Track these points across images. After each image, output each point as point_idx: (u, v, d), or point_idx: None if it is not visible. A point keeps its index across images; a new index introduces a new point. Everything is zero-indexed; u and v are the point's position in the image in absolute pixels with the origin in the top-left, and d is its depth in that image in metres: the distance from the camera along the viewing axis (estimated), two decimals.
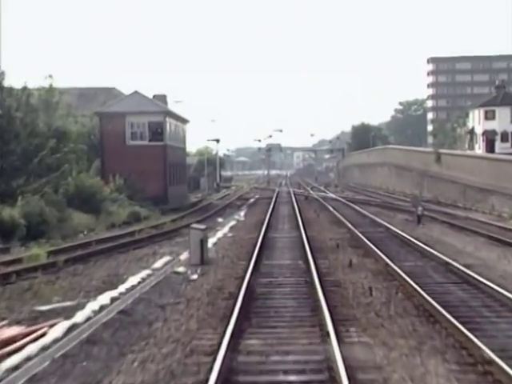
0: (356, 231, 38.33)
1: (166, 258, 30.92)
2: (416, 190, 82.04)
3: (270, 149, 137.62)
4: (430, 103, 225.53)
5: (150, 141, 64.93)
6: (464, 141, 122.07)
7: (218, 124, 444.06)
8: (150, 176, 63.73)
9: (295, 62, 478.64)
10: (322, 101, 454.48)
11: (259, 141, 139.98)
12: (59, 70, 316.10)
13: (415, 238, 34.31)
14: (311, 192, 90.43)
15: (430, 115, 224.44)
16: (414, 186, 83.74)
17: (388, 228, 41.00)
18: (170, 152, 66.73)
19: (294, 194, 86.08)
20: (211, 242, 37.01)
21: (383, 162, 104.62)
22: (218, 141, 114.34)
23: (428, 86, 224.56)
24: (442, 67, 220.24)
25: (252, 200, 79.43)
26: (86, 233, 43.24)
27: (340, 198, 74.83)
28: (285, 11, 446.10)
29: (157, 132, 65.31)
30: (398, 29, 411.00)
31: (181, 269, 27.32)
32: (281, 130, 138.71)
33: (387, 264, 25.74)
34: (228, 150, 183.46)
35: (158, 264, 29.15)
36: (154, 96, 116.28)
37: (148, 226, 46.75)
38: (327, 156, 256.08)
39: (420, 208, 44.91)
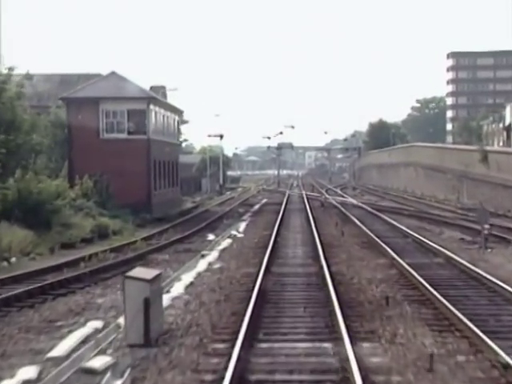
0: (404, 264, 25.04)
1: (94, 325, 17.59)
2: (452, 194, 68.54)
3: (280, 147, 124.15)
4: (449, 101, 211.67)
5: (129, 134, 51.68)
6: (498, 138, 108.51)
7: (228, 122, 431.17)
8: (129, 177, 50.55)
9: (308, 58, 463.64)
10: (334, 99, 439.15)
11: (268, 138, 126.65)
12: (57, 56, 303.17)
13: (504, 281, 21.09)
14: (327, 196, 77.18)
15: (449, 113, 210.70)
16: (449, 190, 70.24)
17: (449, 257, 27.63)
18: (155, 148, 53.40)
19: (308, 199, 72.83)
20: (185, 281, 23.92)
21: (408, 161, 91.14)
22: (221, 137, 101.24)
23: (447, 82, 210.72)
24: (463, 62, 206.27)
25: (257, 206, 66.16)
26: (11, 259, 29.99)
27: (362, 205, 61.48)
28: (300, 2, 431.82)
29: (139, 123, 52.04)
30: (416, 22, 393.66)
31: (98, 363, 14.05)
32: (292, 127, 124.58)
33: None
34: (236, 148, 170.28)
35: (68, 342, 15.85)
36: (152, 88, 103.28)
37: (110, 248, 33.59)
38: (340, 156, 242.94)
39: (487, 226, 31.48)
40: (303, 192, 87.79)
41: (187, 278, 24.71)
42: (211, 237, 39.53)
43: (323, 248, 30.04)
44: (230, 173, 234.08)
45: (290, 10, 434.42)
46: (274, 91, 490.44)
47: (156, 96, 56.13)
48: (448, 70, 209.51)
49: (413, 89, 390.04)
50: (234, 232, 41.19)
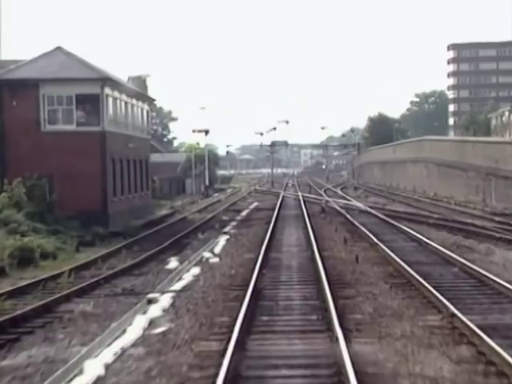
0: (475, 330, 13.86)
1: None
2: (475, 195, 57.38)
3: (273, 144, 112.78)
4: (450, 94, 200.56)
5: (79, 125, 40.44)
6: (510, 131, 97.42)
7: (222, 120, 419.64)
8: (78, 180, 39.38)
9: (303, 53, 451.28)
10: (330, 95, 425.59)
11: (261, 134, 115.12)
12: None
13: None
14: (326, 198, 66.01)
15: (450, 107, 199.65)
16: (471, 190, 59.09)
17: None
18: (113, 143, 42.09)
19: (305, 202, 61.70)
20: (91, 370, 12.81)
21: (418, 157, 79.99)
22: (206, 132, 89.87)
23: (448, 75, 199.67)
24: (464, 54, 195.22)
25: (245, 212, 54.95)
26: None
27: (371, 210, 50.37)
28: None
29: (91, 111, 40.77)
30: (414, 12, 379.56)
31: None
32: (287, 122, 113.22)
33: None
34: (228, 146, 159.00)
35: None
36: (130, 79, 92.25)
37: (12, 288, 22.45)
38: (336, 153, 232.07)
39: None
40: (299, 193, 76.64)
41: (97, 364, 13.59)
42: (173, 263, 28.19)
43: (332, 290, 18.95)
44: (222, 172, 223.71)
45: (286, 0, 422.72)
46: (268, 89, 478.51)
47: (114, 77, 44.64)
48: (449, 62, 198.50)
49: (411, 83, 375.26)
50: (207, 254, 29.94)
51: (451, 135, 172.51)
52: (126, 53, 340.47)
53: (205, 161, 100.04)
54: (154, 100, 56.37)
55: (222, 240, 35.73)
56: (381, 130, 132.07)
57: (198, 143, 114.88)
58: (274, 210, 53.23)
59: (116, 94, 43.60)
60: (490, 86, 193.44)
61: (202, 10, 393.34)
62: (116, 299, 21.05)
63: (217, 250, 31.76)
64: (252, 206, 61.60)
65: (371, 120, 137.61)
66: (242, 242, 34.47)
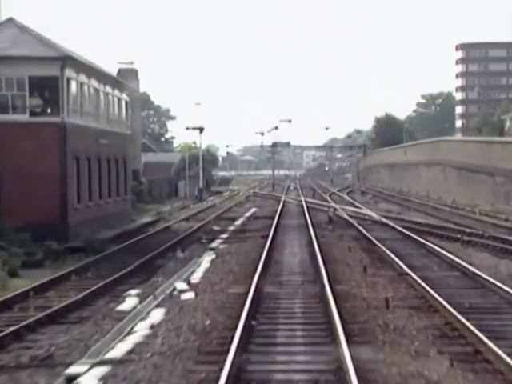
0: None
1: None
2: (505, 204, 49.52)
3: (275, 144, 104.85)
4: (458, 96, 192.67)
5: (33, 115, 32.63)
6: None
7: (224, 121, 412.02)
8: (31, 183, 31.65)
9: (307, 53, 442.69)
10: (333, 96, 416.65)
11: (262, 134, 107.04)
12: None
13: None
14: (333, 204, 58.24)
15: (458, 109, 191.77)
16: (499, 197, 51.27)
17: None
18: (78, 138, 34.19)
19: (308, 209, 54.00)
20: None
21: (432, 160, 72.16)
22: (201, 130, 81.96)
23: (457, 76, 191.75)
24: (473, 54, 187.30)
25: (240, 221, 47.03)
26: None
27: (387, 221, 42.53)
28: None
29: (49, 98, 32.97)
30: (421, 12, 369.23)
31: None
32: (289, 121, 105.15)
33: None
34: (228, 146, 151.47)
35: None
36: (120, 70, 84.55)
37: None
38: (339, 155, 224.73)
39: None
40: (302, 198, 68.77)
41: None
42: (131, 301, 20.27)
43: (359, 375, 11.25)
44: (222, 173, 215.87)
45: None
46: (271, 90, 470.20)
47: (79, 57, 36.55)
48: (457, 62, 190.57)
49: (418, 84, 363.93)
50: (181, 285, 22.11)
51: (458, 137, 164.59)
52: (127, 52, 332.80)
53: (206, 161, 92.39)
54: (136, 90, 48.05)
55: (206, 261, 27.89)
56: (388, 132, 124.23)
57: (194, 142, 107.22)
58: (273, 218, 45.46)
59: (83, 78, 35.67)
60: (500, 87, 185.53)
61: (203, 7, 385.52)
62: (15, 376, 13.21)
63: (196, 277, 23.94)
64: (249, 214, 53.75)
65: (378, 121, 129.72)
66: (230, 265, 26.61)
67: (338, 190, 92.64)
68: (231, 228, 42.10)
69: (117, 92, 42.88)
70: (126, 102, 45.79)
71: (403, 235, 35.04)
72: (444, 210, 53.98)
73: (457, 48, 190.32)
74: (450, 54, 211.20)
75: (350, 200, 68.86)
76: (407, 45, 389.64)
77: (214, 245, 33.37)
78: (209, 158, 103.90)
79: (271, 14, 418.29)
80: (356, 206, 57.97)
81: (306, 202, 62.89)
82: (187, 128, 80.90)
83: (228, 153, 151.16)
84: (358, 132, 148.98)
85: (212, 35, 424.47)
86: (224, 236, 37.53)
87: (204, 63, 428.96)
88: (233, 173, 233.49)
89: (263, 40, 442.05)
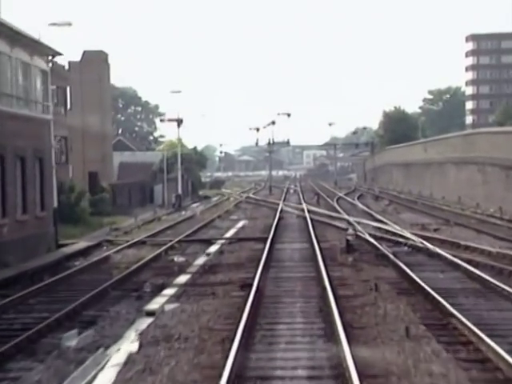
0: None
1: None
2: None
3: (272, 141, 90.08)
4: (468, 90, 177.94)
5: None
6: None
7: (223, 121, 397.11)
8: None
9: (306, 49, 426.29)
10: (334, 93, 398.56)
11: (257, 130, 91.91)
12: None
13: None
14: (345, 216, 43.77)
15: (468, 104, 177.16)
16: None
17: None
18: None
19: (313, 222, 39.66)
20: None
21: (465, 158, 57.55)
22: (179, 122, 67.45)
23: (466, 69, 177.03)
24: (485, 46, 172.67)
25: (216, 248, 32.00)
26: None
27: (434, 247, 27.77)
28: None
29: None
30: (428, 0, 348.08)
31: None
32: (288, 115, 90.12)
33: None
34: (221, 145, 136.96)
35: None
36: (85, 53, 70.28)
37: None
38: (341, 155, 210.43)
39: None
40: (304, 206, 54.19)
41: None
42: None
43: None
44: (218, 174, 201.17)
45: None
46: (270, 88, 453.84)
47: None
48: (467, 54, 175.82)
49: (424, 79, 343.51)
50: None
51: None
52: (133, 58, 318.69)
53: (185, 161, 77.89)
54: (57, 55, 32.77)
55: (116, 363, 13.23)
56: (398, 128, 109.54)
57: (180, 139, 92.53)
58: (265, 241, 30.93)
59: None
60: None
61: (194, 8, 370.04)
62: None
63: None
64: (233, 231, 39.03)
65: (387, 116, 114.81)
66: (163, 372, 12.04)
67: (346, 194, 78.07)
68: (199, 261, 27.35)
69: (23, 55, 28.14)
70: (43, 73, 30.92)
71: (484, 284, 20.33)
72: (497, 224, 39.41)
73: (467, 39, 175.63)
74: (459, 46, 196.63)
75: (364, 207, 54.23)
76: (412, 38, 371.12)
77: (155, 305, 18.66)
78: (196, 159, 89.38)
79: (270, 9, 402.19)
80: (375, 218, 43.35)
81: (309, 211, 48.35)
82: (161, 120, 66.30)
83: (221, 152, 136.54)
84: (365, 128, 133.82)
85: (206, 27, 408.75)
86: (182, 280, 22.86)
87: (198, 58, 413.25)
88: (230, 174, 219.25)
89: (260, 30, 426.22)
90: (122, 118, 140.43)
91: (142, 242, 33.22)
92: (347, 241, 27.92)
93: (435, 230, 37.58)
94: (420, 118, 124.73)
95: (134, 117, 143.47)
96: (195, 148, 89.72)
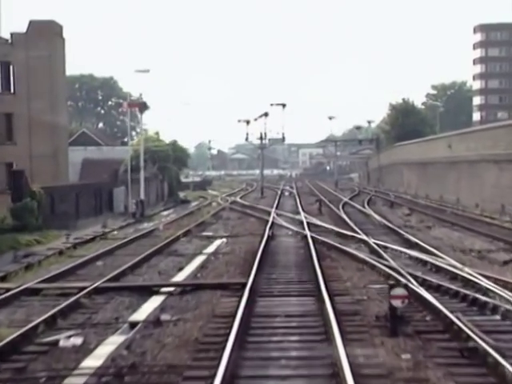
0: None
1: None
2: None
3: (264, 136, 76.34)
4: (476, 84, 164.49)
5: None
6: None
7: (218, 119, 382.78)
8: None
9: (302, 42, 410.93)
10: (331, 92, 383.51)
11: (247, 123, 77.70)
12: None
13: None
14: (363, 236, 30.32)
15: (476, 100, 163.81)
16: None
17: None
18: None
19: (316, 245, 26.44)
20: None
21: (510, 155, 43.95)
22: (141, 108, 54.01)
23: (474, 62, 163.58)
24: (494, 37, 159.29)
25: (160, 302, 18.48)
26: None
27: None
28: None
29: None
30: None
31: None
32: (283, 105, 76.25)
33: None
34: (210, 141, 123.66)
35: None
36: (31, 23, 57.23)
37: None
38: (339, 153, 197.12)
39: None
40: (303, 217, 40.76)
41: None
42: None
43: None
44: (209, 173, 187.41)
45: None
46: (264, 83, 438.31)
47: None
48: (475, 46, 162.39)
49: (427, 73, 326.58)
50: None
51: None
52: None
53: (160, 158, 64.56)
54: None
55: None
56: (407, 122, 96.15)
57: (157, 133, 78.85)
58: (241, 289, 17.53)
59: None
60: None
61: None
62: None
63: None
64: (197, 263, 25.32)
65: (394, 109, 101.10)
66: None
67: (351, 198, 64.60)
68: (104, 349, 13.71)
69: None
70: None
71: None
72: None
73: (475, 30, 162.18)
74: (465, 37, 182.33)
75: (380, 219, 40.66)
76: (415, 29, 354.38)
77: None
78: (175, 156, 75.72)
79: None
80: (407, 241, 29.76)
81: (310, 226, 34.97)
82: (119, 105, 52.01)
83: (210, 149, 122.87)
84: (369, 122, 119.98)
85: (191, 11, 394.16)
86: None
87: (198, 57, 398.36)
88: (222, 172, 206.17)
89: (251, 15, 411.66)
90: (102, 112, 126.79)
91: (35, 292, 19.50)
92: (392, 309, 14.23)
93: (506, 263, 24.19)
94: (428, 112, 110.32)
95: (115, 110, 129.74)
96: (174, 143, 75.95)
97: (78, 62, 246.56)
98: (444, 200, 57.35)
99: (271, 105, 76.64)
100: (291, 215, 44.18)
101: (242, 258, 25.79)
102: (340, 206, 51.41)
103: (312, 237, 29.75)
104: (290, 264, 24.28)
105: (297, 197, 67.07)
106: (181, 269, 23.77)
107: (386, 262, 22.03)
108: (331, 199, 62.06)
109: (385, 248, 26.27)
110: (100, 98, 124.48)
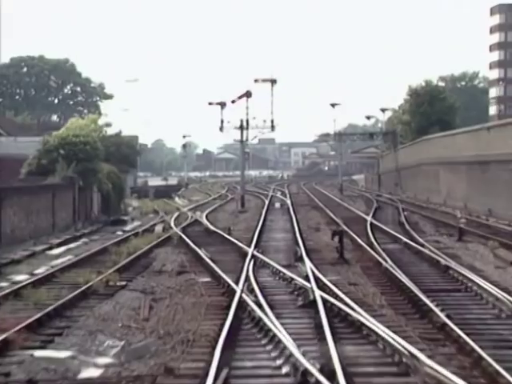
0: None
1: None
2: None
3: (246, 123, 52.65)
4: (493, 74, 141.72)
5: None
6: None
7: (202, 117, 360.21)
8: None
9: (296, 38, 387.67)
10: (327, 88, 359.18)
11: (222, 106, 53.64)
12: None
13: None
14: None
15: (492, 92, 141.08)
16: None
17: None
18: None
19: None
20: None
21: None
22: None
23: (491, 48, 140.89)
24: None
25: None
26: None
27: None
28: None
29: None
30: None
31: None
32: (274, 81, 52.99)
33: None
34: (185, 136, 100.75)
35: None
36: None
37: None
38: (332, 153, 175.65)
39: None
40: (311, 275, 17.58)
41: None
42: None
43: None
44: (195, 174, 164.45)
45: None
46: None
47: None
48: (492, 30, 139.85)
49: (432, 65, 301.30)
50: None
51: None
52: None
53: (83, 159, 41.48)
54: None
55: None
56: (432, 110, 73.00)
57: (108, 124, 55.02)
58: None
59: None
60: None
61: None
62: None
63: None
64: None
65: (414, 93, 77.50)
66: None
67: (374, 215, 41.24)
68: None
69: None
70: None
71: None
72: None
73: (492, 12, 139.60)
74: (482, 20, 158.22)
75: (449, 263, 17.35)
76: (421, 19, 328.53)
77: None
78: (124, 153, 52.24)
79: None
80: None
81: (324, 299, 11.58)
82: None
83: (185, 146, 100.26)
84: (383, 110, 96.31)
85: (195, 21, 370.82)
86: None
87: (194, 52, 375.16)
88: (206, 173, 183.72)
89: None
90: (56, 101, 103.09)
91: None
92: None
93: None
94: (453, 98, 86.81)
95: (72, 99, 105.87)
96: (118, 134, 52.33)
97: (26, 41, 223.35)
98: None
99: (255, 81, 53.30)
100: (284, 254, 20.91)
101: None
102: (369, 234, 28.27)
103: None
104: None
105: (292, 211, 44.06)
106: None
107: None
108: (344, 216, 39.29)
109: None
110: (53, 84, 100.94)
